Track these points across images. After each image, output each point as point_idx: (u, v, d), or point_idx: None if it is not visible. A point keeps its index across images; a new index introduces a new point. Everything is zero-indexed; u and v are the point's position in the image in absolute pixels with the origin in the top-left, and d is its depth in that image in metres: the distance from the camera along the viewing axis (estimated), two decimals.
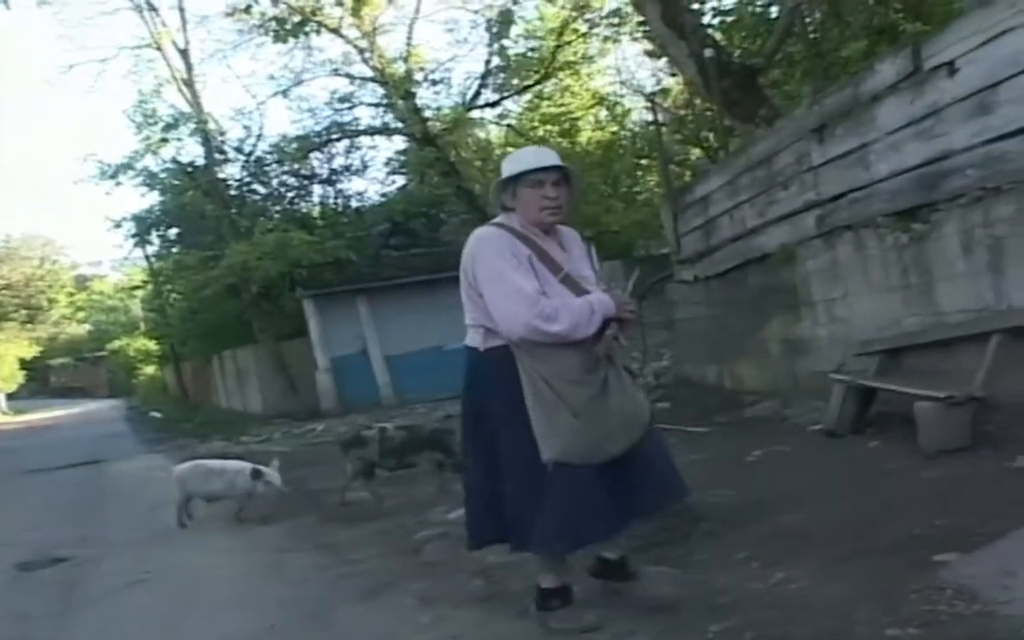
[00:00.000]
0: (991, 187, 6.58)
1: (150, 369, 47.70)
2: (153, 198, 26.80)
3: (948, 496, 5.10)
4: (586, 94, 27.13)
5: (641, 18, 16.27)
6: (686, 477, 4.27)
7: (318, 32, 24.08)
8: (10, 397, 54.19)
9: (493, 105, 27.27)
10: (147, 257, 33.15)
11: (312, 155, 26.50)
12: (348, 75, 26.14)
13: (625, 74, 26.41)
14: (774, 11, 15.35)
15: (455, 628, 4.50)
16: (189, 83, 25.76)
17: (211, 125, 25.58)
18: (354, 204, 28.06)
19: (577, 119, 26.83)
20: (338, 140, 26.72)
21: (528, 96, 27.23)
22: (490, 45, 25.15)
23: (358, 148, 27.63)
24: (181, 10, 25.80)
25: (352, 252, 22.93)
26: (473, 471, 4.14)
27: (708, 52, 12.53)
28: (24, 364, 58.72)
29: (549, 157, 4.08)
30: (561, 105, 27.08)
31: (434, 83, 26.06)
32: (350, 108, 26.36)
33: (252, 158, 26.47)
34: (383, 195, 28.31)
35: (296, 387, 23.56)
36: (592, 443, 3.79)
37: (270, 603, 5.56)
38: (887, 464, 6.26)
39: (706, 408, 10.28)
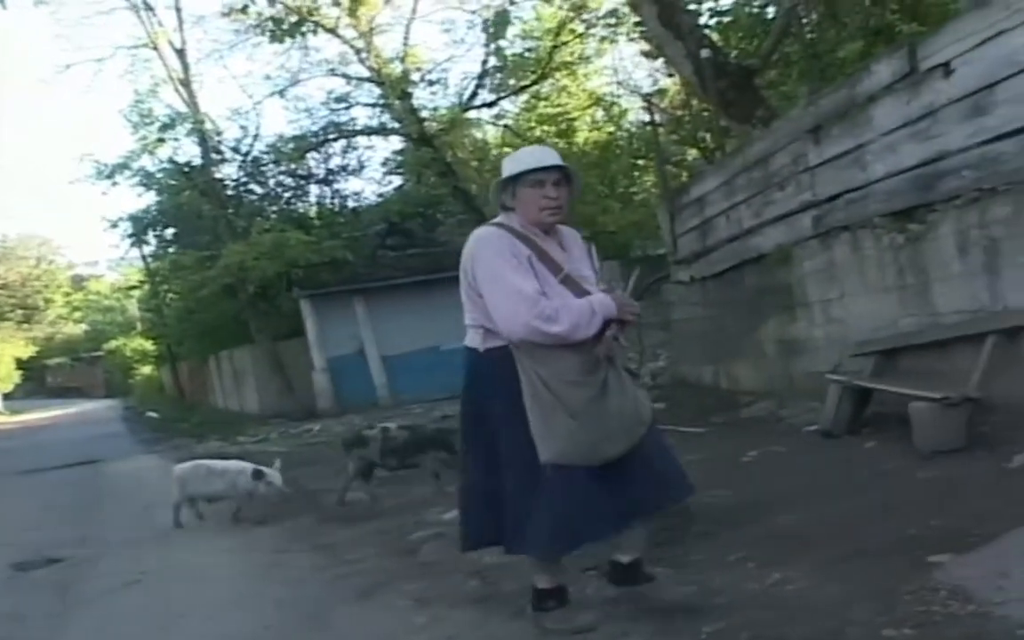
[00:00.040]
0: (987, 188, 6.59)
1: (147, 369, 47.63)
2: (150, 198, 26.82)
3: (943, 497, 5.10)
4: (583, 94, 27.17)
5: (638, 19, 16.29)
6: None
7: (315, 32, 24.10)
8: (6, 397, 54.10)
9: (490, 105, 27.31)
10: (144, 257, 33.07)
11: (309, 155, 26.49)
12: (345, 75, 26.19)
13: (622, 74, 26.53)
14: (771, 12, 15.37)
15: (451, 628, 4.50)
16: (186, 83, 25.76)
17: (208, 125, 25.56)
18: (351, 204, 28.10)
19: (574, 119, 26.86)
20: (335, 140, 26.72)
21: (525, 96, 27.25)
22: (487, 45, 25.18)
23: (355, 148, 27.67)
24: (178, 10, 25.83)
25: (349, 252, 22.93)
26: (473, 471, 4.11)
27: (705, 53, 12.54)
28: (20, 364, 58.61)
29: (549, 157, 4.05)
30: (558, 105, 27.11)
31: (431, 83, 26.13)
32: (347, 108, 26.39)
33: (249, 158, 26.46)
34: (380, 195, 28.35)
35: (293, 387, 23.54)
36: (590, 445, 3.77)
37: (267, 603, 5.55)
38: (883, 465, 6.27)
39: (702, 408, 10.29)
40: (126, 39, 42.28)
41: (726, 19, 16.25)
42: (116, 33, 70.94)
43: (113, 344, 54.44)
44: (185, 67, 25.88)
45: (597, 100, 26.94)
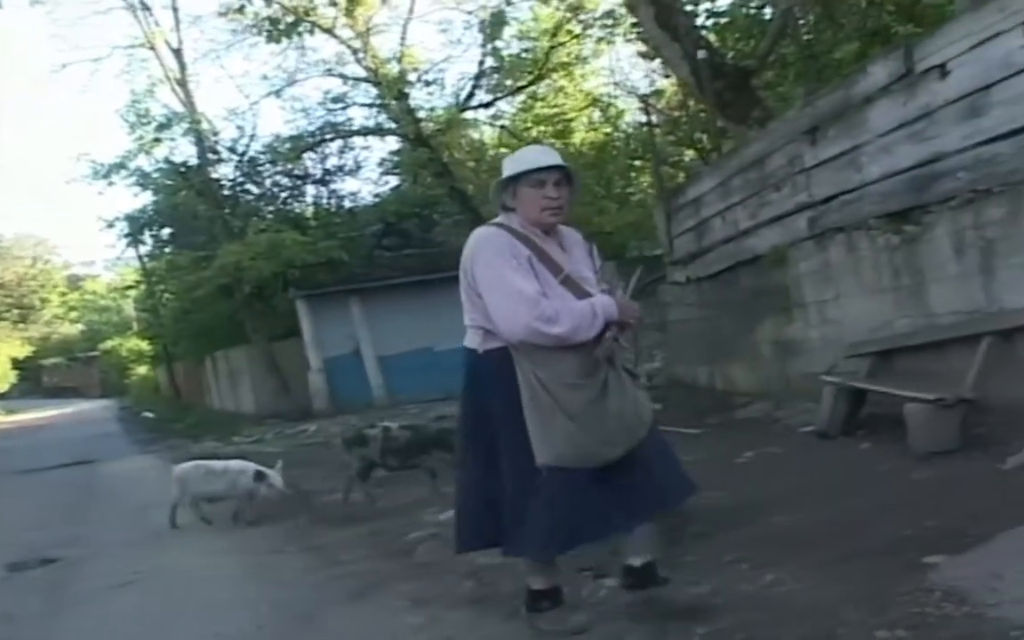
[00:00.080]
0: (982, 189, 6.59)
1: (143, 369, 47.59)
2: (146, 198, 26.74)
3: (938, 498, 5.11)
4: (580, 95, 27.15)
5: (635, 20, 16.27)
6: None
7: (312, 32, 24.06)
8: (2, 397, 54.04)
9: (487, 106, 27.27)
10: (140, 257, 33.04)
11: (305, 155, 26.45)
12: (342, 75, 26.13)
13: (619, 75, 26.48)
14: (768, 13, 15.37)
15: (446, 629, 4.50)
16: (182, 83, 25.72)
17: (204, 125, 25.52)
18: (347, 204, 28.05)
19: (571, 120, 26.85)
20: (331, 140, 26.69)
21: (522, 97, 27.22)
22: (484, 46, 25.15)
23: (351, 148, 27.63)
24: (174, 10, 25.77)
25: (345, 252, 22.89)
26: (473, 470, 4.06)
27: (701, 54, 12.55)
28: (16, 364, 58.58)
29: (550, 157, 4.03)
30: (555, 106, 27.09)
31: (428, 84, 26.07)
32: (343, 108, 26.36)
33: (245, 158, 26.43)
34: (376, 195, 28.30)
35: (289, 387, 23.51)
36: (588, 448, 3.73)
37: (260, 604, 5.54)
38: (878, 466, 6.28)
39: (698, 409, 10.29)
40: (123, 39, 42.33)
41: (723, 20, 16.26)
42: (113, 33, 71.03)
43: (109, 344, 54.36)
44: (182, 67, 25.84)
45: (594, 101, 26.92)
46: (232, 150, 26.40)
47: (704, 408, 10.37)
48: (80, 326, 66.61)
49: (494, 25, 24.35)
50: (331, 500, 8.99)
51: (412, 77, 25.50)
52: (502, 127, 28.19)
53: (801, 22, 14.05)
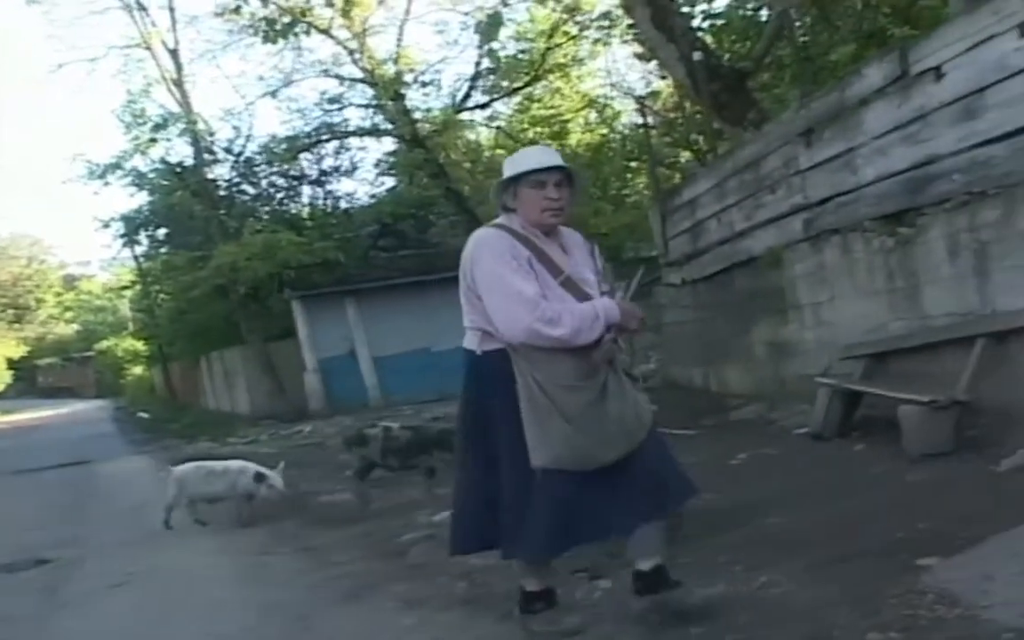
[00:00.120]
0: (976, 192, 6.60)
1: (138, 369, 47.54)
2: (142, 198, 26.75)
3: (931, 500, 5.11)
4: (576, 96, 27.12)
5: (631, 21, 16.27)
6: None
7: (308, 33, 24.01)
8: None
9: (483, 107, 27.25)
10: (135, 257, 33.04)
11: (301, 156, 26.42)
12: (338, 76, 26.09)
13: (615, 77, 26.38)
14: (764, 15, 15.37)
15: (438, 631, 4.50)
16: (178, 83, 25.69)
17: (200, 125, 25.50)
18: (343, 205, 28.05)
19: (567, 121, 26.81)
20: (327, 141, 26.66)
21: (518, 98, 27.20)
22: (480, 47, 25.14)
23: (347, 149, 27.61)
24: (171, 10, 25.75)
25: (341, 253, 22.90)
26: (473, 471, 4.03)
27: (697, 55, 12.54)
28: (11, 364, 58.53)
29: (551, 157, 4.01)
30: (551, 107, 27.07)
31: (424, 84, 26.03)
32: (340, 109, 26.31)
33: (241, 159, 26.41)
34: (372, 196, 28.28)
35: (284, 388, 23.51)
36: (585, 450, 3.71)
37: (253, 606, 5.54)
38: (872, 468, 6.28)
39: (692, 411, 10.27)
40: (119, 39, 42.22)
41: (719, 22, 16.26)
42: (109, 33, 70.76)
43: (104, 344, 54.30)
44: (178, 67, 25.81)
45: (590, 102, 26.89)
46: (228, 150, 26.42)
47: (699, 410, 10.37)
48: (75, 326, 66.51)
49: (490, 26, 24.33)
50: (326, 501, 8.98)
51: (408, 78, 25.49)
52: (498, 128, 28.17)
53: (797, 24, 14.06)
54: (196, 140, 25.18)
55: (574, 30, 24.74)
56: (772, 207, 9.54)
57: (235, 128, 26.32)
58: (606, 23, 23.12)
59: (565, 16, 24.37)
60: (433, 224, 27.96)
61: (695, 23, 15.14)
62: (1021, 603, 3.39)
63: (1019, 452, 5.46)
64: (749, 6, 16.13)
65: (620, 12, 19.61)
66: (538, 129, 26.36)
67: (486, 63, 25.54)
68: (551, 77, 26.18)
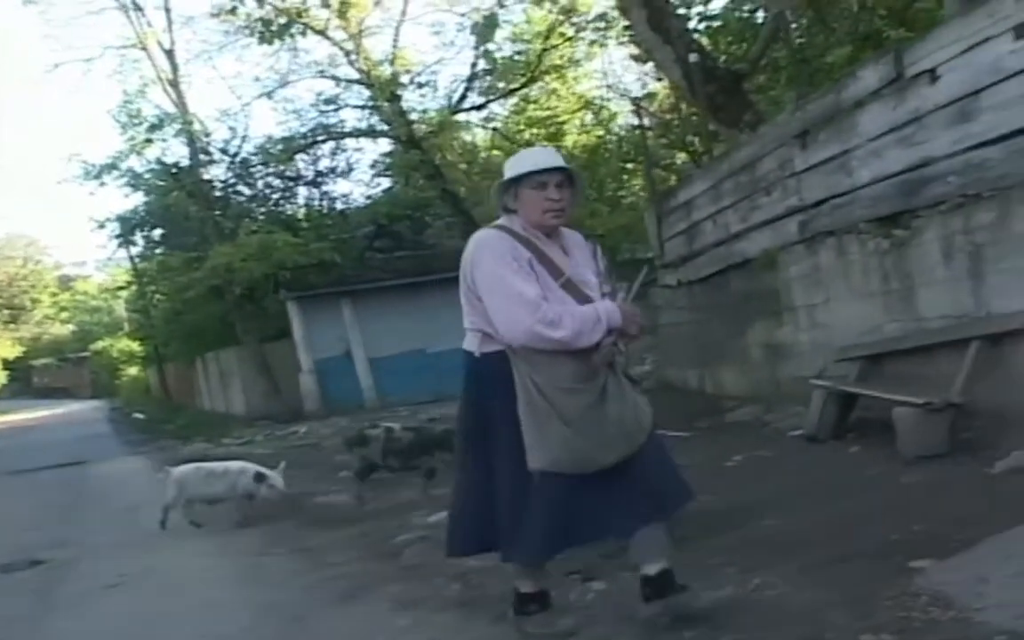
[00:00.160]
0: (971, 194, 6.60)
1: (133, 370, 47.50)
2: (137, 199, 26.77)
3: (926, 502, 5.12)
4: (572, 98, 27.14)
5: (627, 22, 16.28)
6: None
7: (304, 34, 24.04)
8: None
9: (479, 108, 27.31)
10: (131, 258, 32.99)
11: (297, 157, 26.43)
12: (334, 77, 26.12)
13: (611, 78, 26.41)
14: (760, 17, 15.38)
15: (432, 632, 4.50)
16: (174, 83, 25.67)
17: (196, 126, 25.50)
18: (339, 206, 28.05)
19: (563, 123, 26.83)
20: (323, 142, 26.67)
21: (514, 99, 27.23)
22: (476, 48, 25.16)
23: (343, 150, 27.62)
24: (167, 10, 25.75)
25: (336, 254, 22.90)
26: (473, 473, 4.02)
27: (693, 57, 12.56)
28: (6, 364, 58.49)
29: (552, 158, 3.98)
30: (547, 108, 27.10)
31: (420, 86, 26.07)
32: (336, 110, 26.32)
33: (237, 159, 26.40)
34: (368, 197, 28.30)
35: (279, 389, 23.48)
36: (583, 453, 3.69)
37: (247, 607, 5.53)
38: (866, 470, 6.29)
39: (688, 413, 10.26)
40: (115, 39, 42.22)
41: (715, 24, 16.25)
42: (105, 33, 70.68)
43: (100, 345, 54.28)
44: (174, 67, 25.81)
45: (586, 103, 26.91)
46: (224, 151, 26.41)
47: (694, 411, 10.37)
48: (71, 327, 66.45)
49: (486, 28, 24.36)
50: (321, 502, 8.97)
51: (405, 79, 25.53)
52: (494, 129, 28.20)
53: (793, 26, 14.07)
54: (192, 141, 25.17)
55: (570, 31, 24.79)
56: (767, 209, 9.54)
57: (231, 129, 26.37)
58: (602, 25, 23.15)
59: (561, 17, 24.42)
60: (429, 225, 27.97)
61: (691, 25, 15.14)
62: (1015, 605, 3.40)
63: (1013, 454, 5.47)
64: (745, 8, 16.13)
65: (616, 14, 19.63)
66: (534, 130, 26.39)
67: (482, 64, 25.63)
68: (547, 78, 26.23)
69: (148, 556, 7.58)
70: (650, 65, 18.80)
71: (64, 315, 67.32)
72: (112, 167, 25.01)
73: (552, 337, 3.65)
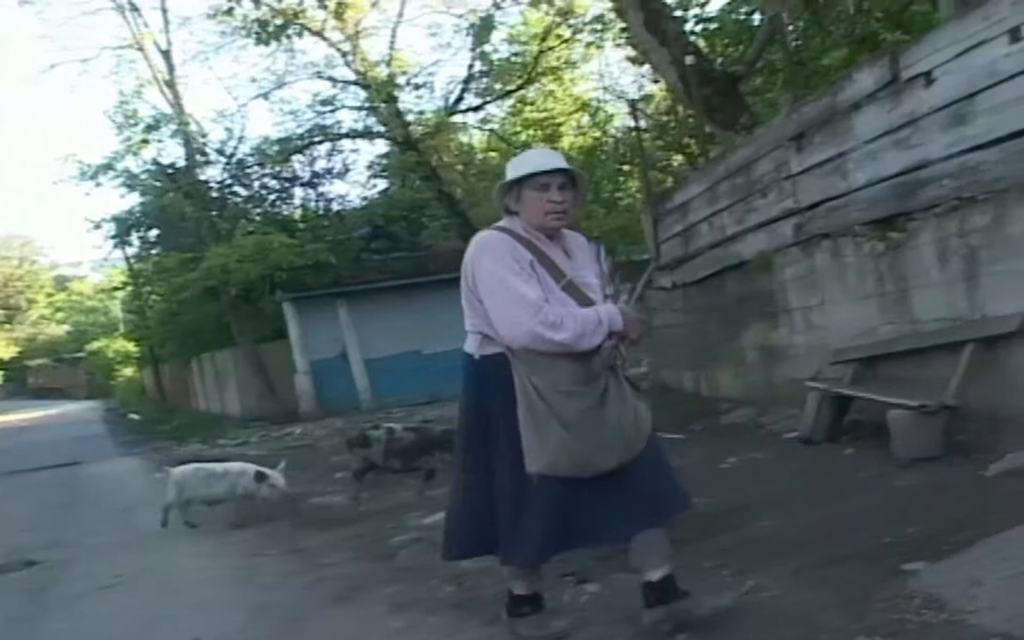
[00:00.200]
0: (966, 197, 6.60)
1: (129, 371, 47.49)
2: (133, 199, 26.65)
3: (920, 504, 5.13)
4: (569, 99, 27.16)
5: (624, 24, 16.30)
6: None
7: (300, 35, 24.02)
8: None
9: (475, 109, 27.33)
10: (127, 258, 32.94)
11: (294, 158, 26.41)
12: (331, 78, 26.11)
13: (608, 80, 26.47)
14: (756, 19, 15.40)
15: (427, 633, 4.50)
16: (171, 84, 25.67)
17: (192, 127, 25.49)
18: (335, 207, 27.99)
19: (560, 124, 26.85)
20: (320, 143, 26.64)
21: (511, 101, 27.25)
22: (473, 50, 25.17)
23: (340, 151, 27.59)
24: (163, 11, 25.77)
25: (332, 255, 22.85)
26: (472, 474, 3.99)
27: (690, 59, 12.55)
28: (2, 364, 58.47)
29: (555, 159, 3.96)
30: (544, 110, 27.12)
31: (416, 87, 26.06)
32: (332, 111, 26.29)
33: (233, 160, 26.35)
34: (364, 199, 28.29)
35: (274, 390, 23.48)
36: (581, 457, 3.67)
37: (242, 608, 5.52)
38: (861, 472, 6.30)
39: (683, 415, 10.27)
40: (111, 39, 42.22)
41: (712, 26, 16.29)
42: (102, 33, 70.78)
43: (95, 345, 54.20)
44: (170, 68, 25.81)
45: (583, 105, 26.94)
46: (220, 152, 26.35)
47: (689, 413, 10.37)
48: (67, 327, 66.38)
49: (483, 29, 24.37)
50: (316, 503, 8.97)
51: (401, 80, 25.51)
52: (491, 131, 28.23)
53: (790, 28, 14.08)
54: (188, 141, 25.16)
55: (567, 33, 24.79)
56: (763, 211, 9.54)
57: (227, 129, 26.33)
58: (599, 26, 23.19)
59: (558, 19, 24.42)
60: (425, 227, 27.97)
61: (688, 27, 15.18)
62: (1007, 608, 3.41)
63: (1007, 457, 5.48)
64: (742, 10, 16.17)
65: (613, 15, 19.66)
66: (531, 132, 26.42)
67: (479, 66, 25.61)
68: (544, 80, 26.25)
69: (143, 557, 7.57)
70: (646, 67, 18.86)
71: (60, 315, 67.29)
72: (108, 167, 24.94)
73: (553, 339, 3.64)
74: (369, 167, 28.65)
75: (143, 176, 25.51)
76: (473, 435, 3.99)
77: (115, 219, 27.22)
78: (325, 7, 23.63)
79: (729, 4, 16.19)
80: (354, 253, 25.08)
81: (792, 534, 5.06)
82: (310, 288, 22.79)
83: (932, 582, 3.80)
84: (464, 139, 29.37)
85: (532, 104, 27.22)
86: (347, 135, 26.79)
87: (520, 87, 26.10)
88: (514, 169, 3.95)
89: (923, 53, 6.97)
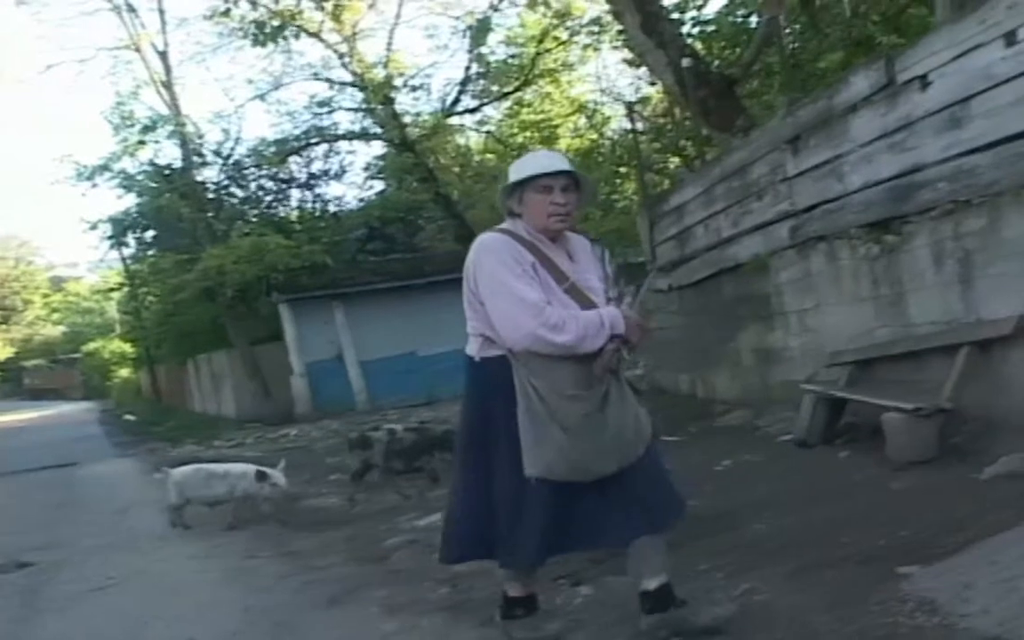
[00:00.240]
0: (961, 200, 6.61)
1: (125, 372, 47.44)
2: (130, 200, 26.67)
3: (914, 507, 5.12)
4: (566, 101, 27.18)
5: (621, 27, 16.29)
6: None
7: (298, 36, 24.04)
8: None
9: (472, 111, 27.35)
10: (123, 259, 32.91)
11: (290, 159, 26.44)
12: (328, 79, 26.14)
13: (605, 82, 26.48)
14: (753, 21, 15.41)
15: (420, 636, 4.49)
16: (168, 85, 25.69)
17: (189, 128, 25.55)
18: (332, 209, 28.05)
19: (557, 126, 26.86)
20: (317, 144, 26.69)
21: (508, 103, 27.26)
22: (470, 52, 25.19)
23: (337, 153, 27.66)
24: (160, 12, 25.81)
25: (329, 257, 22.88)
26: (472, 476, 3.97)
27: (686, 61, 12.55)
28: None
29: (558, 161, 3.94)
30: (541, 112, 27.12)
31: (413, 89, 26.12)
32: (329, 112, 26.35)
33: (230, 161, 26.40)
34: (361, 200, 28.34)
35: (270, 391, 23.47)
36: (579, 462, 3.66)
37: (235, 610, 5.51)
38: (855, 475, 6.29)
39: (678, 417, 10.29)
40: (109, 40, 42.24)
41: (709, 28, 16.29)
42: (99, 34, 70.80)
43: (91, 346, 54.17)
44: (167, 69, 25.83)
45: (580, 107, 26.95)
46: (217, 153, 26.40)
47: (685, 415, 10.39)
48: (62, 328, 66.30)
49: (480, 31, 24.38)
50: (310, 505, 8.96)
51: (398, 82, 25.57)
52: (488, 133, 28.24)
53: (786, 31, 14.09)
54: (185, 142, 25.18)
55: (564, 35, 24.81)
56: (759, 214, 9.55)
57: (224, 131, 26.39)
58: (596, 29, 23.23)
59: (555, 21, 24.44)
60: (422, 228, 27.97)
61: (685, 29, 15.17)
62: (1000, 611, 3.40)
63: (1002, 460, 5.47)
64: (739, 13, 16.17)
65: (610, 18, 19.64)
66: (528, 134, 26.43)
67: (476, 68, 25.63)
68: (541, 82, 26.27)
69: (137, 558, 7.55)
70: (643, 70, 18.89)
71: (56, 316, 67.20)
72: (105, 168, 24.97)
73: (555, 341, 3.62)
74: (366, 169, 28.74)
75: (140, 177, 25.53)
76: (474, 437, 3.96)
77: (111, 220, 27.23)
78: (322, 8, 23.65)
79: (726, 7, 16.19)
80: (350, 255, 25.10)
81: (786, 536, 5.05)
82: (306, 289, 22.78)
83: (925, 585, 3.79)
84: (461, 141, 29.40)
85: (529, 106, 27.23)
86: (344, 136, 26.83)
87: (517, 89, 26.12)
88: (517, 171, 3.93)
89: (919, 56, 6.98)
